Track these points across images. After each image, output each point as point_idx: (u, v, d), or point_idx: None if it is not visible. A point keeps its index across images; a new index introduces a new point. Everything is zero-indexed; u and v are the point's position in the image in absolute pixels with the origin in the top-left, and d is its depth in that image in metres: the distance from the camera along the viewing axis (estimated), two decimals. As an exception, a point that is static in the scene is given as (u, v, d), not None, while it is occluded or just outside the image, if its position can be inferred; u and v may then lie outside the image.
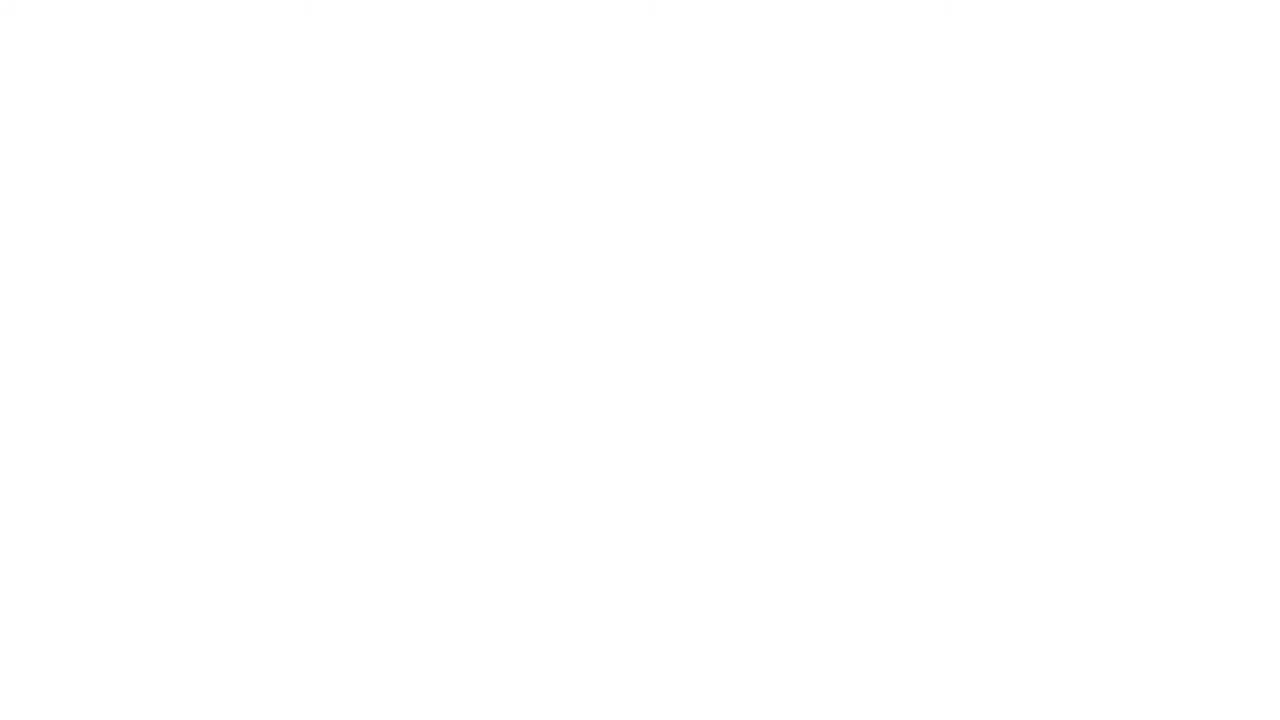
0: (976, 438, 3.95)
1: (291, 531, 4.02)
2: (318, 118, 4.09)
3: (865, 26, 4.04)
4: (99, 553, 3.98)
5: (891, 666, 3.93)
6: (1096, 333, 3.96)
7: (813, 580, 3.95)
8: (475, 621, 3.98)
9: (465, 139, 4.04)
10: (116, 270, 4.02)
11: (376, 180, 4.06)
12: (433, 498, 3.99)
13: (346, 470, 4.02)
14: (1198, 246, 3.94)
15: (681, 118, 4.04)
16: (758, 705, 3.93)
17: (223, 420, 4.01)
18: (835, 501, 3.95)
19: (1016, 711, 3.86)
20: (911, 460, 3.96)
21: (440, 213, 4.04)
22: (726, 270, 3.99)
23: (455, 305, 4.01)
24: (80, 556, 3.97)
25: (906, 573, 3.95)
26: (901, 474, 3.96)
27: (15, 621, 3.89)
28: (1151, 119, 3.94)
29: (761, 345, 3.97)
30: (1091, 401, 3.94)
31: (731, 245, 4.01)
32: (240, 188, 4.07)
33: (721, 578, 3.96)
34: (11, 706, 3.86)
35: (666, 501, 3.98)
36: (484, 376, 3.98)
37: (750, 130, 4.04)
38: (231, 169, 4.07)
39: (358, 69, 4.09)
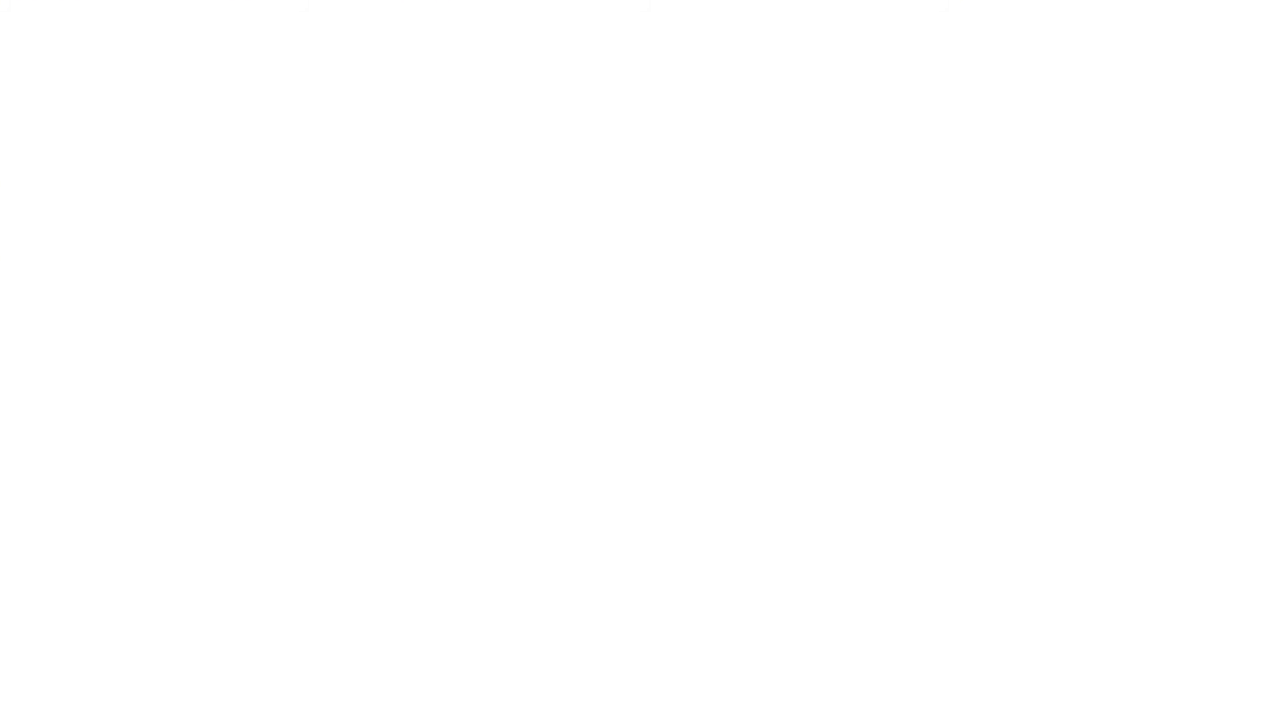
0: (976, 438, 3.96)
1: (292, 532, 4.03)
2: (318, 118, 4.09)
3: (865, 27, 4.05)
4: (100, 553, 3.99)
5: (891, 667, 3.94)
6: (1096, 333, 3.98)
7: (812, 581, 3.96)
8: (475, 622, 3.99)
9: (465, 140, 4.05)
10: (116, 270, 4.02)
11: (376, 181, 4.07)
12: (432, 498, 4.00)
13: (345, 471, 4.03)
14: (1197, 247, 3.96)
15: (682, 119, 4.05)
16: (758, 706, 3.94)
17: (223, 421, 4.02)
18: (835, 502, 3.96)
19: (1016, 712, 3.87)
20: (911, 461, 3.97)
21: (440, 213, 4.05)
22: (726, 271, 4.00)
23: (455, 306, 4.01)
24: (81, 557, 3.98)
25: (906, 574, 3.96)
26: (901, 475, 3.97)
27: (16, 622, 3.90)
28: (1151, 119, 3.95)
29: (761, 346, 3.98)
30: (1091, 402, 3.95)
31: (731, 246, 4.02)
32: (240, 188, 4.08)
33: (720, 579, 3.97)
34: (13, 707, 3.87)
35: (666, 502, 3.99)
36: (484, 377, 3.99)
37: (750, 131, 4.05)
38: (231, 169, 4.08)
39: (358, 69, 4.10)
